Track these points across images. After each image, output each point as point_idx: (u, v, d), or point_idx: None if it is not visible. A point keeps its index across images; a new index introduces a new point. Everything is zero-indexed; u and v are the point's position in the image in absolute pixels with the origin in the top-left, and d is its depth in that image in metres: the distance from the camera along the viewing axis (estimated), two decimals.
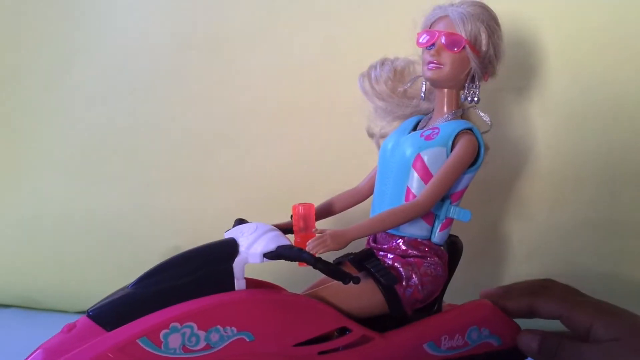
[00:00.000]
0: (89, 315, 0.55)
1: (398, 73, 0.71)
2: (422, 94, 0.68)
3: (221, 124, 0.96)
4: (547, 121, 0.86)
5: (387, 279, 0.61)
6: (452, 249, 0.68)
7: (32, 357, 0.53)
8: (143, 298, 0.55)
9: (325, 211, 0.72)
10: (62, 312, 1.02)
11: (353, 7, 0.90)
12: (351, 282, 0.56)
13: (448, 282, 0.67)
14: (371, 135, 0.74)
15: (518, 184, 0.88)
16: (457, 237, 0.69)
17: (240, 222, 0.67)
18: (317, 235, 0.57)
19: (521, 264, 0.90)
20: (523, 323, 0.68)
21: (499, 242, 0.90)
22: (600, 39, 0.84)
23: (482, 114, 0.67)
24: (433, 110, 0.68)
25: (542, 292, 0.67)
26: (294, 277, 0.73)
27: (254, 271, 0.60)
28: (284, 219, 0.68)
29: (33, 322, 0.98)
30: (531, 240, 0.89)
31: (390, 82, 0.71)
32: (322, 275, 0.68)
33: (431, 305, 0.65)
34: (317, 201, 0.69)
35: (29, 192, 1.01)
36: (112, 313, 0.55)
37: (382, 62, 0.72)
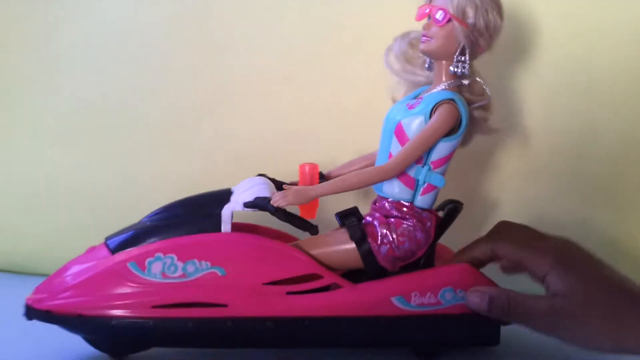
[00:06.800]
0: (104, 241, 0.70)
1: (413, 45, 0.75)
2: (427, 65, 0.72)
3: (203, 96, 0.99)
4: (531, 94, 0.92)
5: (352, 232, 0.67)
6: (451, 213, 0.72)
7: (62, 267, 0.69)
8: (145, 231, 0.68)
9: (345, 172, 0.78)
10: (45, 276, 1.02)
11: None
12: (309, 231, 0.65)
13: (434, 243, 0.70)
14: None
15: (497, 155, 0.94)
16: (458, 202, 0.72)
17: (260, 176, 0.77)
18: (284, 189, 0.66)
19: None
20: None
21: (478, 206, 0.95)
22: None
23: (484, 87, 0.70)
24: None
25: (502, 235, 0.70)
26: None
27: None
28: None
29: (16, 285, 0.97)
30: (505, 206, 0.95)
31: (409, 53, 0.75)
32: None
33: (415, 263, 0.70)
34: (287, 169, 0.76)
35: (10, 160, 1.04)
36: (118, 240, 0.68)
37: (402, 35, 0.76)
